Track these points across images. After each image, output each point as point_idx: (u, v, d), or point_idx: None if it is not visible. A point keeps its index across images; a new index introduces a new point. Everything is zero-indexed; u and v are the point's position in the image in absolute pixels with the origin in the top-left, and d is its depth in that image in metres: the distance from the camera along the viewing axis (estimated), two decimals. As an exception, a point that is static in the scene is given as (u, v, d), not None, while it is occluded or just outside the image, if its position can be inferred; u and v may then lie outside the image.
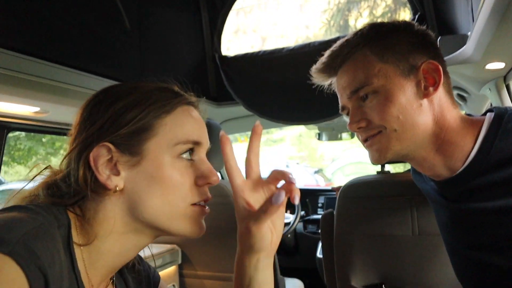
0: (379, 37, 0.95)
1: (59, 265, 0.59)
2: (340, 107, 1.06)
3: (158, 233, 0.73)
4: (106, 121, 0.70)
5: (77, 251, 0.67)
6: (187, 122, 0.74)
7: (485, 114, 0.96)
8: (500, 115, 0.90)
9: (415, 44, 0.94)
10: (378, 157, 0.96)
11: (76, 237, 0.67)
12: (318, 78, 1.08)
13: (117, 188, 0.68)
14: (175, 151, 0.71)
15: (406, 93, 0.91)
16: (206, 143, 0.77)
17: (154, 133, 0.70)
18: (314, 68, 1.06)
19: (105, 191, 0.68)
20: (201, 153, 0.76)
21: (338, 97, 1.05)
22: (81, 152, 0.69)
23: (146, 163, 0.69)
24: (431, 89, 0.92)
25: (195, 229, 0.73)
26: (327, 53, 1.02)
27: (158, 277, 0.97)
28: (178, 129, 0.72)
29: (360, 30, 0.99)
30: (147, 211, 0.69)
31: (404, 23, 0.98)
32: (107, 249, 0.70)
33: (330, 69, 1.03)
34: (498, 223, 0.87)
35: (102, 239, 0.69)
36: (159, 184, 0.69)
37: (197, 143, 0.74)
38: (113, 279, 0.82)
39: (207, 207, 0.75)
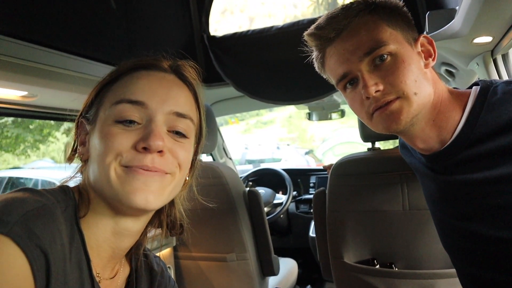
0: (382, 5, 0.95)
1: (61, 245, 0.60)
2: (339, 77, 0.98)
3: (118, 207, 0.70)
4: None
5: None
6: (129, 84, 0.73)
7: (471, 87, 0.97)
8: (485, 89, 0.92)
9: (408, 21, 0.97)
10: (398, 122, 0.91)
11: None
12: (311, 41, 1.02)
13: (81, 157, 0.75)
14: (112, 115, 0.70)
15: (415, 60, 0.93)
16: (157, 105, 0.71)
17: (103, 102, 0.74)
18: (310, 30, 1.00)
19: (84, 163, 0.76)
20: (152, 116, 0.71)
21: (338, 64, 0.97)
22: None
23: (96, 129, 0.72)
24: (430, 59, 0.96)
25: (127, 191, 0.66)
26: (326, 18, 0.97)
27: None
28: (118, 91, 0.73)
29: (356, 1, 0.97)
30: (92, 176, 0.71)
31: (395, 1, 0.99)
32: (94, 224, 0.71)
33: (331, 31, 0.96)
34: (482, 194, 0.89)
35: (90, 213, 0.71)
36: (96, 147, 0.70)
37: (137, 103, 0.70)
38: (132, 275, 0.84)
39: (145, 170, 0.68)
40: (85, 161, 0.75)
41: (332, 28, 0.95)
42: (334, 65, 0.98)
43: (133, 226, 0.75)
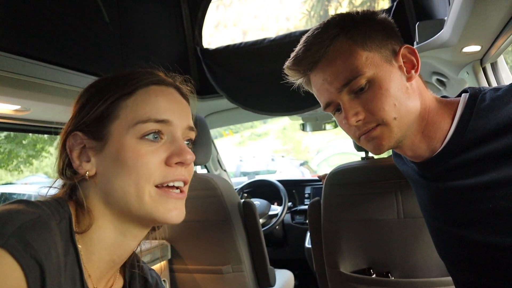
0: (356, 25, 0.93)
1: (56, 257, 0.60)
2: (324, 104, 1.00)
3: (138, 220, 0.73)
4: (76, 112, 0.75)
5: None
6: (149, 102, 0.73)
7: (460, 94, 0.98)
8: (474, 96, 0.93)
9: (388, 31, 0.96)
10: (381, 148, 0.94)
11: (75, 227, 0.68)
12: (293, 75, 1.03)
13: (87, 174, 0.71)
14: (137, 132, 0.70)
15: (395, 79, 0.92)
16: (178, 122, 0.75)
17: (115, 116, 0.72)
18: (289, 63, 1.00)
19: (84, 179, 0.72)
20: (174, 132, 0.74)
21: (320, 93, 0.99)
22: (63, 144, 0.74)
23: (109, 146, 0.71)
24: (413, 71, 0.94)
25: (162, 211, 0.71)
26: (302, 48, 0.97)
27: None
28: (139, 109, 0.72)
29: (332, 19, 0.96)
30: (116, 193, 0.70)
31: (371, 11, 0.98)
32: (99, 239, 0.71)
33: (308, 64, 0.96)
34: (474, 199, 0.90)
35: (94, 228, 0.70)
36: (122, 165, 0.69)
37: (163, 122, 0.72)
38: (126, 280, 0.84)
39: (179, 191, 0.74)
40: (88, 176, 0.73)
41: (309, 61, 0.96)
42: (317, 93, 1.01)
43: (141, 233, 0.77)
